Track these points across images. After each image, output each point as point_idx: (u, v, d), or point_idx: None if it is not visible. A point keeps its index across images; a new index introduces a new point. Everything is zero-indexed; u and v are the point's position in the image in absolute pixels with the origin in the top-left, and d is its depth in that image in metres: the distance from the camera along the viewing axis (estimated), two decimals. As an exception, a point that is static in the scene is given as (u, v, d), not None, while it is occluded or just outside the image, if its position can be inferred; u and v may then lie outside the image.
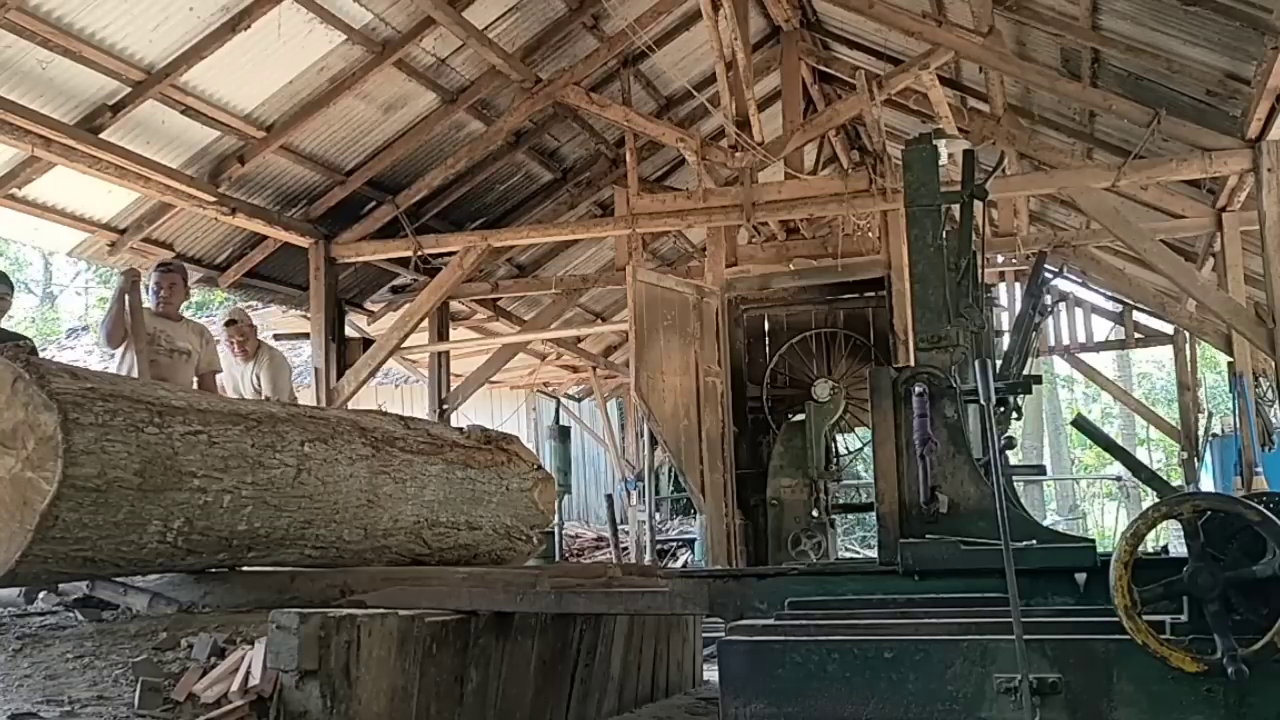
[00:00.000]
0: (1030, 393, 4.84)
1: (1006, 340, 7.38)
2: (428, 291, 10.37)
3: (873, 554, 6.35)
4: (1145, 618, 3.15)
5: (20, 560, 3.82)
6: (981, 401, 3.82)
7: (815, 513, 9.27)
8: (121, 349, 6.68)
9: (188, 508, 4.20)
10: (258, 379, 7.36)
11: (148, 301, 6.87)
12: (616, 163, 11.50)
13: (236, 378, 7.47)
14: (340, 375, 10.14)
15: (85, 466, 3.82)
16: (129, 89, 7.64)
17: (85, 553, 3.96)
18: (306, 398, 10.53)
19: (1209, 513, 3.26)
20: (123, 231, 9.05)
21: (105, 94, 7.62)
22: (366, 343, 10.55)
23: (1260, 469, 9.85)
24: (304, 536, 4.75)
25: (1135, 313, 14.40)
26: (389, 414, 5.82)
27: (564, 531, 14.44)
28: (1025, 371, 5.39)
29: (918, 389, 4.14)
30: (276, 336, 14.13)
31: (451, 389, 11.81)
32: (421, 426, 5.79)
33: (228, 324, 7.59)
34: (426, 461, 5.43)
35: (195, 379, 6.92)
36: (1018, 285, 12.82)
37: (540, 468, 6.36)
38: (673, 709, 5.59)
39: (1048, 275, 6.73)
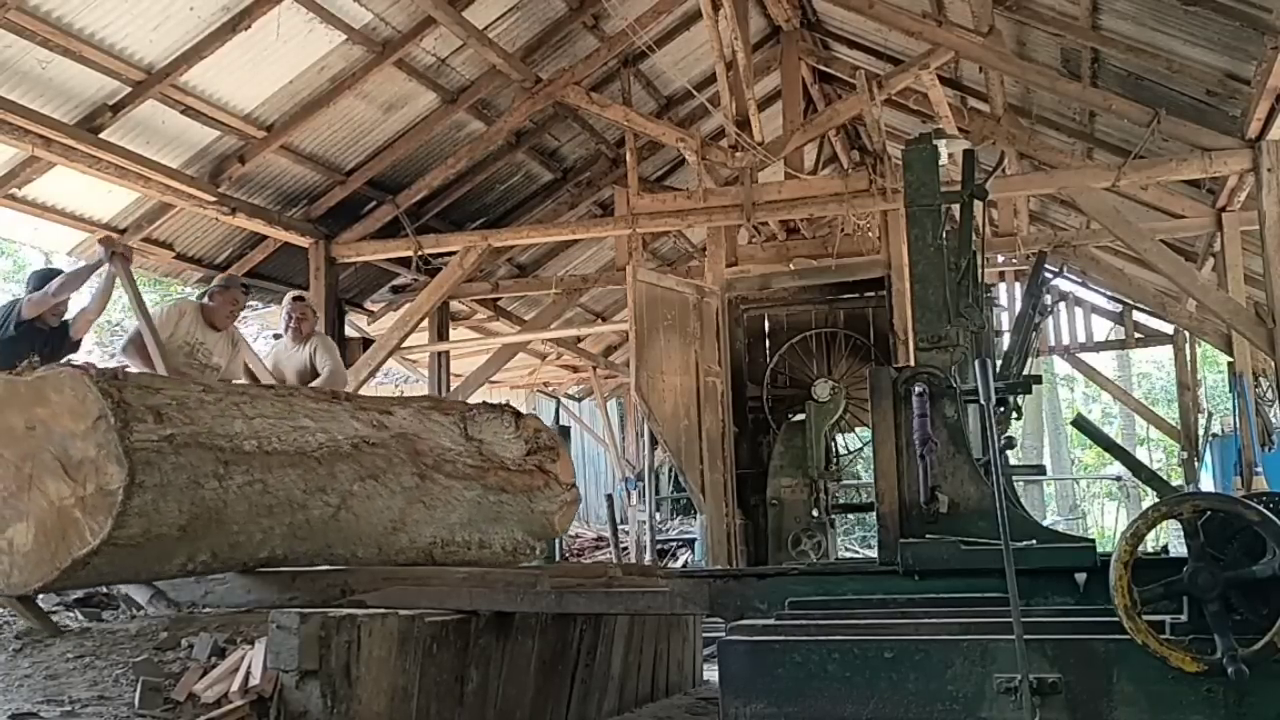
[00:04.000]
0: (1030, 393, 4.84)
1: (1006, 340, 7.39)
2: (428, 291, 10.37)
3: (873, 554, 6.36)
4: (1145, 618, 3.15)
5: (38, 590, 3.95)
6: (981, 401, 3.82)
7: (815, 513, 9.27)
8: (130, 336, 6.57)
9: (218, 546, 4.27)
10: (312, 361, 7.11)
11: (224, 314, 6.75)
12: (616, 163, 11.50)
13: (282, 359, 7.20)
14: (340, 375, 10.13)
15: (132, 528, 3.84)
16: (129, 89, 7.64)
17: (103, 580, 4.12)
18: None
19: (1209, 513, 3.26)
20: (123, 231, 9.04)
21: (105, 94, 7.62)
22: (366, 343, 10.55)
23: (1260, 469, 9.84)
24: (320, 556, 4.78)
25: (1135, 313, 14.40)
26: (458, 411, 5.73)
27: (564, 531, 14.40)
28: (1025, 371, 5.39)
29: (918, 389, 4.14)
30: (276, 336, 14.14)
31: (451, 389, 11.82)
32: (477, 441, 5.67)
33: (296, 299, 7.39)
34: (465, 487, 5.40)
35: None
36: (1018, 285, 12.83)
37: (573, 487, 6.26)
38: (673, 709, 5.59)
39: (1048, 275, 6.74)
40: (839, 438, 10.46)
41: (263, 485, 4.31)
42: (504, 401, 6.50)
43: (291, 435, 4.61)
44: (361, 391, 10.32)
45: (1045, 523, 10.17)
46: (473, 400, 7.82)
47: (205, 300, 6.77)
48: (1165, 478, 5.61)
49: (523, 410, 6.36)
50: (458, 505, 5.37)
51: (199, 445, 4.08)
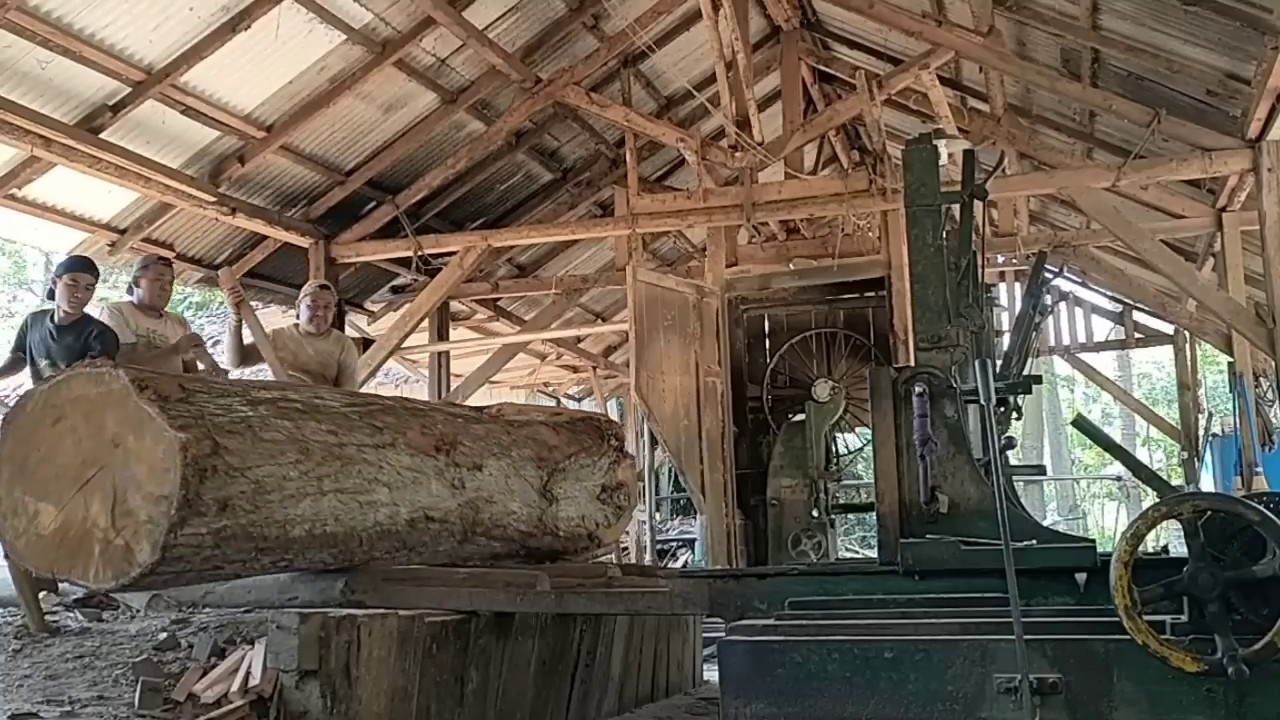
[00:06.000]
0: (1030, 393, 4.84)
1: (1006, 340, 7.38)
2: (428, 291, 10.37)
3: (873, 554, 6.36)
4: (1145, 618, 3.14)
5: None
6: (981, 401, 3.82)
7: (815, 513, 9.27)
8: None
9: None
10: (340, 359, 6.96)
11: (134, 296, 6.50)
12: (616, 163, 11.49)
13: (300, 345, 6.97)
14: (340, 375, 10.12)
15: (131, 589, 3.93)
16: (129, 89, 7.64)
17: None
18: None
19: (1209, 513, 3.26)
20: (123, 231, 9.05)
21: (105, 94, 7.62)
22: (367, 343, 10.54)
23: (1260, 469, 9.85)
24: None
25: (1135, 313, 14.41)
26: (554, 461, 5.45)
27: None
28: (1025, 371, 5.39)
29: (918, 389, 4.14)
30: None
31: (451, 389, 11.82)
32: (549, 500, 5.43)
33: (322, 288, 7.23)
34: (501, 544, 5.26)
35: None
36: (1018, 285, 12.83)
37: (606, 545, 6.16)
38: (673, 709, 5.58)
39: (1048, 275, 6.73)
40: (839, 438, 10.46)
41: (287, 564, 4.19)
42: (613, 423, 6.23)
43: (355, 513, 4.32)
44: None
45: (1045, 523, 10.16)
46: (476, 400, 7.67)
47: (132, 290, 6.54)
48: (1165, 478, 5.61)
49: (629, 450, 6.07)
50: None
51: (245, 536, 3.85)
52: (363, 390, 7.52)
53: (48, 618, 4.35)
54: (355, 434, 4.45)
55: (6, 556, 4.20)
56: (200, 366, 6.47)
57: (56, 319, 6.00)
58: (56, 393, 3.87)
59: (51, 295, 6.16)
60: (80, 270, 6.08)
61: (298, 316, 7.15)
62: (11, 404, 4.04)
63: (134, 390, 3.73)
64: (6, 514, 3.86)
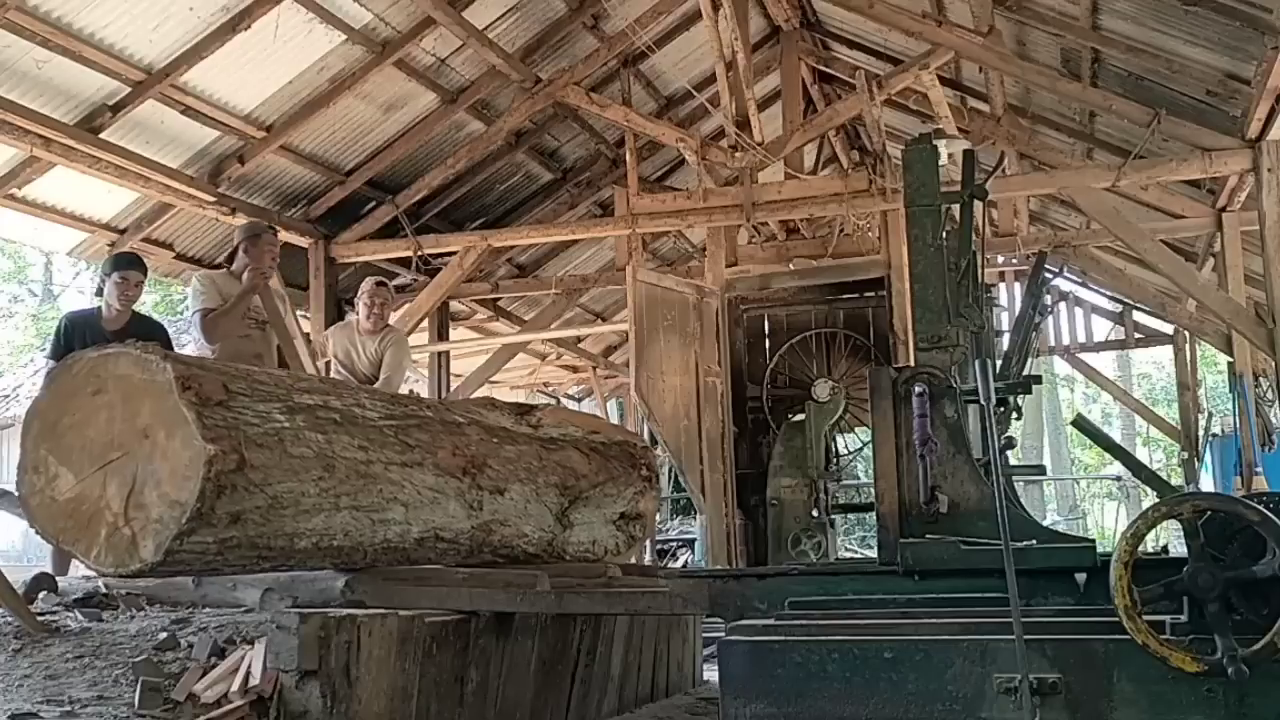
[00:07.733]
0: (1030, 393, 4.83)
1: (1006, 340, 7.38)
2: (428, 291, 10.37)
3: (873, 554, 6.34)
4: (1145, 618, 3.14)
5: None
6: (981, 401, 3.82)
7: (815, 513, 9.27)
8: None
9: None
10: (379, 354, 6.93)
11: (236, 264, 6.40)
12: (616, 163, 11.50)
13: (354, 345, 6.98)
14: (340, 375, 10.13)
15: (127, 578, 3.90)
16: (129, 89, 7.64)
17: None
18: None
19: (1209, 513, 3.26)
20: (123, 231, 9.06)
21: (105, 94, 7.62)
22: (367, 343, 10.53)
23: (1260, 469, 9.84)
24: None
25: (1135, 313, 14.41)
26: (578, 489, 5.35)
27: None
28: (1025, 371, 5.39)
29: (918, 389, 4.13)
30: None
31: (451, 389, 11.82)
32: (564, 526, 5.35)
33: (379, 284, 7.14)
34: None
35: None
36: (1018, 285, 12.83)
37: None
38: (673, 709, 5.58)
39: (1048, 275, 6.73)
40: (839, 438, 10.46)
41: (288, 569, 4.18)
42: (648, 450, 6.12)
43: (366, 529, 4.27)
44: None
45: (1045, 523, 10.16)
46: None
47: (234, 259, 6.42)
48: (1165, 478, 5.61)
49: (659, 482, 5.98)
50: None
51: (251, 546, 3.83)
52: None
53: (47, 618, 4.34)
54: (385, 450, 4.38)
55: None
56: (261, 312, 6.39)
57: (105, 317, 5.97)
58: (104, 364, 3.85)
59: (99, 292, 6.13)
60: (131, 268, 6.10)
61: (356, 313, 7.17)
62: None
63: (176, 387, 3.67)
64: (28, 468, 3.86)
